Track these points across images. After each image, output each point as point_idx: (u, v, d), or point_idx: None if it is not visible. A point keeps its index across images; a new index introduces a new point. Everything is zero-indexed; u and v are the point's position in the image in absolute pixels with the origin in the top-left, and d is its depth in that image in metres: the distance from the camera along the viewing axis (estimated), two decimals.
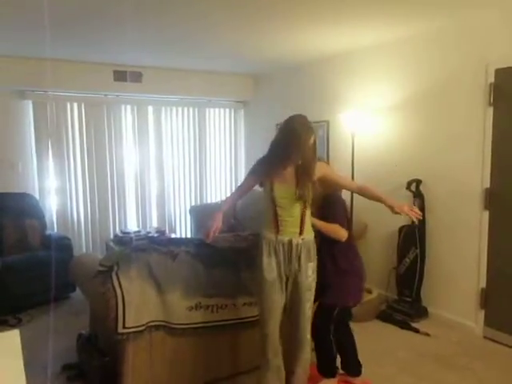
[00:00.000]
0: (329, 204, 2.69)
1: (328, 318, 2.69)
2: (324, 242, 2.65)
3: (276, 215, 2.42)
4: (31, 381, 1.39)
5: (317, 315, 2.71)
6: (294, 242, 2.41)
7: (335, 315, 2.69)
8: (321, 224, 2.61)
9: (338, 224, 2.63)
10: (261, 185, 2.53)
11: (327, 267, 2.65)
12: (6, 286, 4.08)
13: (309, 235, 2.47)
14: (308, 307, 2.50)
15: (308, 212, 2.46)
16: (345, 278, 2.68)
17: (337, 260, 2.66)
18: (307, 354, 2.58)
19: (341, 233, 2.62)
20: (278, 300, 2.45)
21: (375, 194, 2.57)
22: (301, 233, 2.43)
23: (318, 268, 2.54)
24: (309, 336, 2.55)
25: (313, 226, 2.55)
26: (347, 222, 2.71)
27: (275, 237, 2.42)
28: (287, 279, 2.46)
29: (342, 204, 2.76)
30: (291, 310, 2.51)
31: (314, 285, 2.50)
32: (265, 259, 2.42)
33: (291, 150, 2.33)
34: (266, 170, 2.44)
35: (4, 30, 3.76)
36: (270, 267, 2.41)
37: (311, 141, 2.35)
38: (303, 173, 2.39)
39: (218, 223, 2.45)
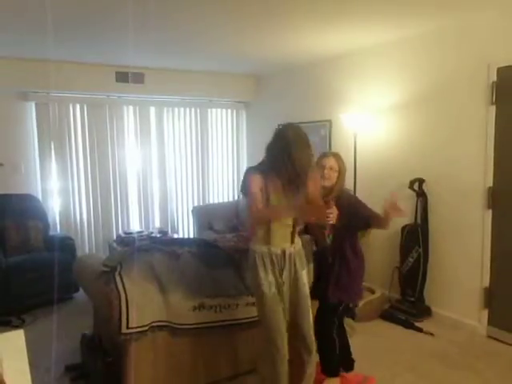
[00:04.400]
0: (353, 202, 2.66)
1: (333, 315, 2.70)
2: (337, 246, 2.63)
3: (268, 226, 2.33)
4: (35, 381, 1.40)
5: (320, 312, 2.71)
6: (287, 252, 2.37)
7: (339, 312, 2.70)
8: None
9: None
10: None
11: (335, 269, 2.63)
12: (9, 287, 4.09)
13: (298, 244, 2.47)
14: (309, 315, 2.45)
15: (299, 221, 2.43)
16: (352, 278, 2.68)
17: (348, 262, 2.64)
18: (312, 368, 2.50)
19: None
20: (281, 311, 2.38)
21: None
22: (292, 242, 2.41)
23: (326, 269, 2.56)
24: (314, 347, 2.49)
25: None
26: None
27: (267, 248, 2.35)
28: (282, 289, 2.38)
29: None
30: (292, 321, 2.43)
31: (308, 292, 2.48)
32: (261, 274, 2.33)
33: (284, 161, 2.24)
34: (261, 180, 2.31)
35: (6, 32, 3.77)
36: (268, 281, 2.33)
37: (305, 153, 2.27)
38: (297, 183, 2.30)
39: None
